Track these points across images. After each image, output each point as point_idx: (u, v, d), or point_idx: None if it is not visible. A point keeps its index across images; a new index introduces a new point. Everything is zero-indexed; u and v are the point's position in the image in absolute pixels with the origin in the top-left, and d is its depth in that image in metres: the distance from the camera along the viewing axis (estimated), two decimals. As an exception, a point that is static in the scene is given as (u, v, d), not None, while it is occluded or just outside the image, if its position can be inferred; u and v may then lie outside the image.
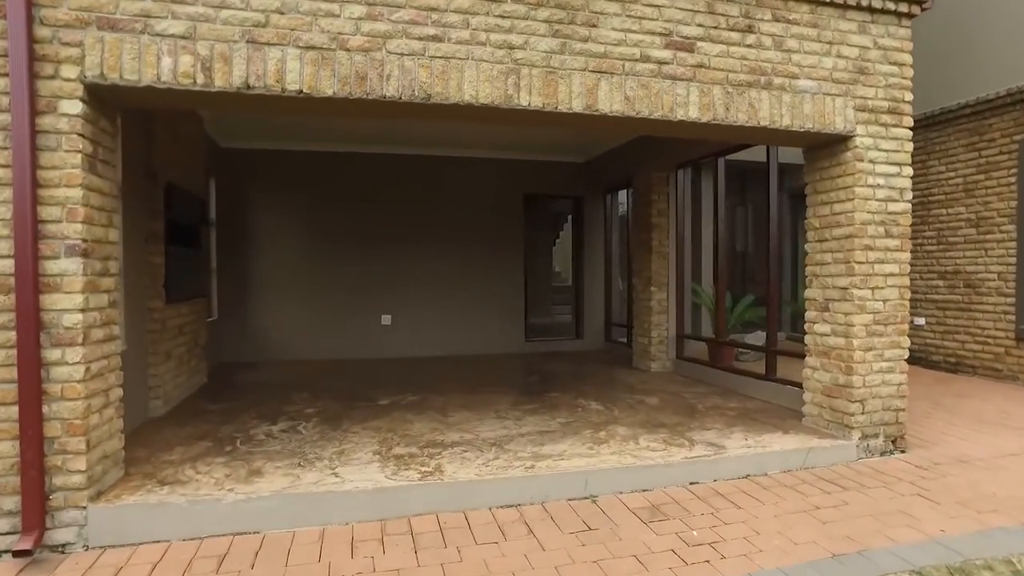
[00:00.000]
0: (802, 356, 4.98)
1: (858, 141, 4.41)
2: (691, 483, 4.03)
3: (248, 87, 3.35)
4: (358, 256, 8.73)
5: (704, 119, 4.07)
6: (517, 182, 9.25)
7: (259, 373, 7.52)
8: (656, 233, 7.47)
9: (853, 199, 4.45)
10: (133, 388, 4.87)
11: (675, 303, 7.55)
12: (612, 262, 9.63)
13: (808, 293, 4.87)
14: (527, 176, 9.29)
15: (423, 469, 3.85)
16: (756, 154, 6.47)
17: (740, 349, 7.27)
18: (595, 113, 3.86)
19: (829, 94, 4.32)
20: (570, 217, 15.47)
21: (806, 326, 4.89)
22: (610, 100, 3.87)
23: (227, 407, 5.58)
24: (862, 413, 4.48)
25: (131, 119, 4.87)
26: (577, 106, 3.82)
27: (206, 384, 6.74)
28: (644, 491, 3.90)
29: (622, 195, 9.77)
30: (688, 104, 4.03)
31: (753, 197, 10.86)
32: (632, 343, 8.08)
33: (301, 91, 3.43)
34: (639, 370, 7.65)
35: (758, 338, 7.90)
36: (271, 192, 8.52)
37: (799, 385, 5.25)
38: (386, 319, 8.83)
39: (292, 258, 8.58)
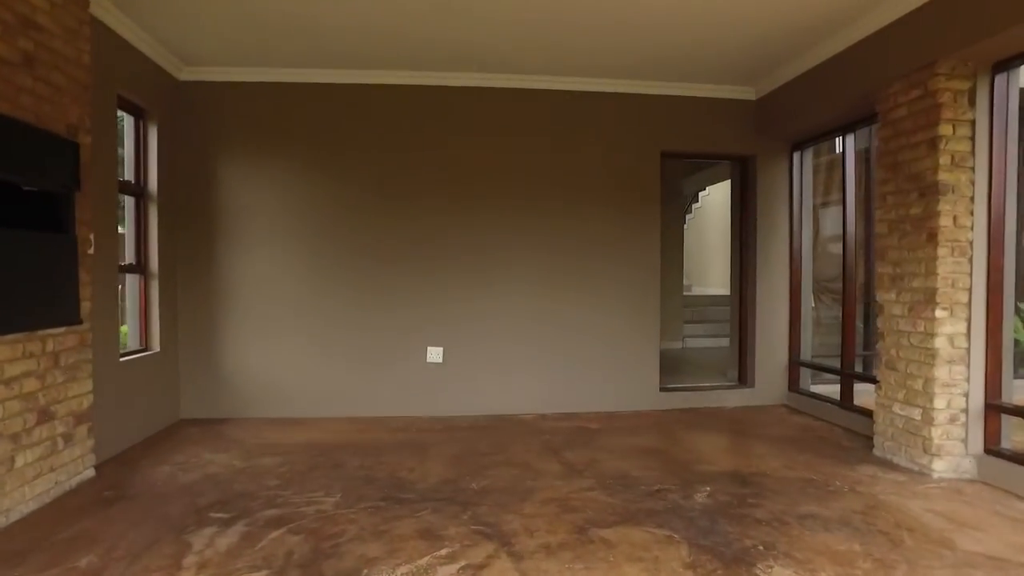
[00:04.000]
0: None
1: None
2: None
3: None
4: (391, 255, 5.47)
5: None
6: (649, 132, 5.70)
7: (209, 453, 4.36)
8: (947, 204, 3.74)
9: None
10: None
11: (984, 344, 3.78)
12: (801, 263, 5.89)
13: None
14: (665, 122, 5.72)
15: None
16: None
17: None
18: None
19: None
20: (703, 193, 11.75)
21: None
22: None
23: (8, 599, 2.41)
24: None
25: None
26: None
27: (88, 483, 3.64)
28: None
29: (813, 151, 6.03)
30: None
31: None
32: (873, 412, 4.36)
33: None
34: (897, 468, 3.93)
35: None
36: (257, 151, 5.40)
37: None
38: (435, 354, 5.51)
39: (288, 255, 5.42)
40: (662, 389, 5.80)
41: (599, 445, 4.57)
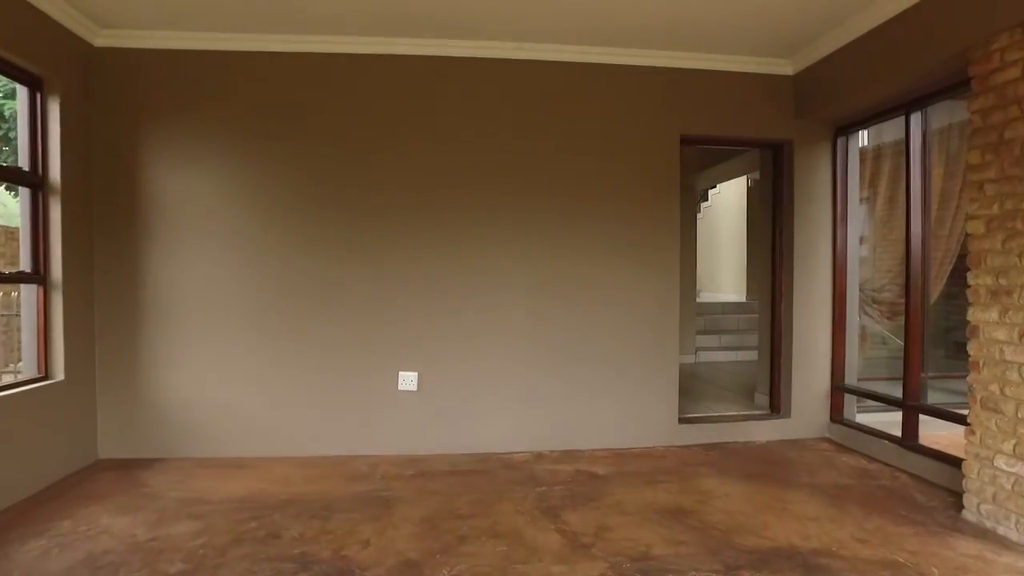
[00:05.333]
0: None
1: None
2: None
3: None
4: (356, 261, 4.51)
5: None
6: (667, 112, 4.76)
7: (109, 516, 3.39)
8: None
9: None
10: None
11: None
12: (846, 269, 4.96)
13: None
14: (685, 101, 4.78)
15: None
16: None
17: None
18: None
19: None
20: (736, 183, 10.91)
21: None
22: None
23: None
24: None
25: None
26: None
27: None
28: None
29: (864, 137, 5.10)
30: None
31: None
32: (962, 463, 3.41)
33: None
34: (1008, 545, 2.98)
35: None
36: (193, 133, 4.44)
37: None
38: (408, 379, 4.55)
39: (232, 260, 4.45)
40: (681, 420, 4.84)
41: (609, 501, 3.62)
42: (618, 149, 4.69)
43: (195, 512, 3.42)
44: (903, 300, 5.32)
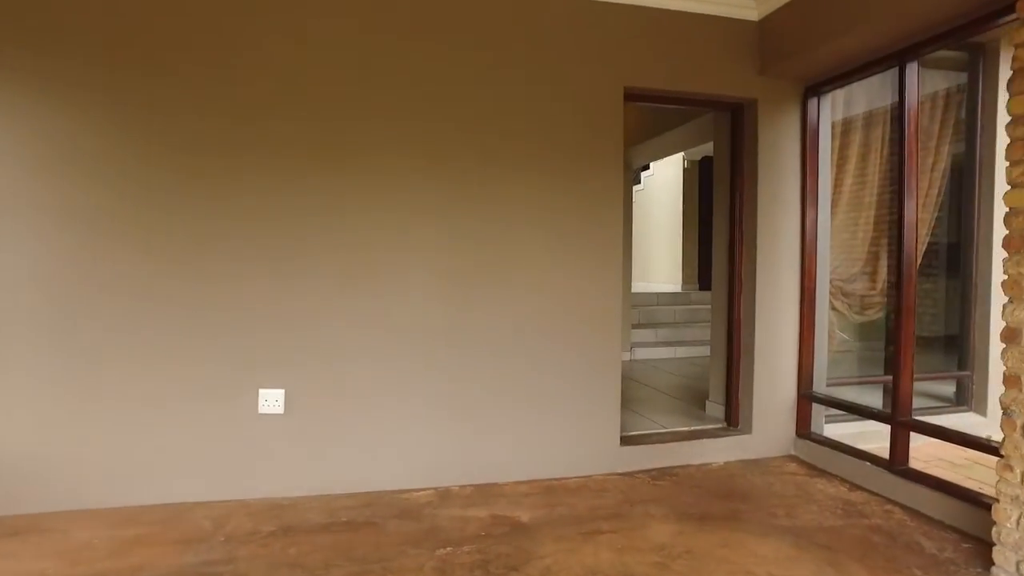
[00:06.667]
0: None
1: None
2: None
3: None
4: (200, 241, 3.33)
5: None
6: (608, 57, 3.80)
7: None
8: None
9: None
10: None
11: None
12: (816, 257, 4.18)
13: None
14: (631, 46, 3.84)
15: None
16: None
17: None
18: None
19: None
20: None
21: None
22: None
23: None
24: None
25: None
26: None
27: None
28: None
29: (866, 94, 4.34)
30: None
31: None
32: (999, 510, 2.64)
33: None
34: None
35: None
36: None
37: None
38: (271, 399, 3.42)
39: (22, 242, 3.18)
40: (623, 440, 3.94)
41: (537, 568, 2.64)
42: (546, 103, 3.70)
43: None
44: (873, 292, 4.66)
